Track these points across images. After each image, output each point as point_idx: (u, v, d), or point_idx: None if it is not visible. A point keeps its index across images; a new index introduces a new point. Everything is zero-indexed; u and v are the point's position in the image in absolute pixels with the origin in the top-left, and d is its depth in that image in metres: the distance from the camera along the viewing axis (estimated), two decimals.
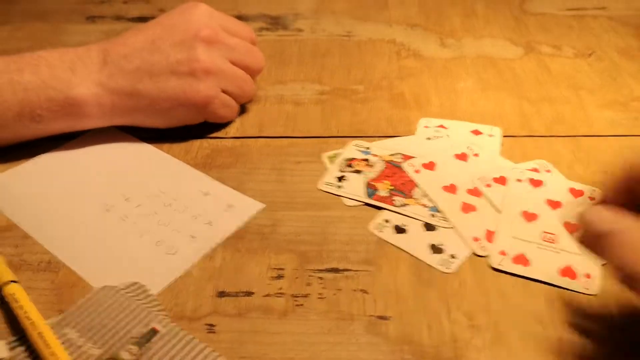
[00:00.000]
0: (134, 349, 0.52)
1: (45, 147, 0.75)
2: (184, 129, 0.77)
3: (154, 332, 0.53)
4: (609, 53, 0.93)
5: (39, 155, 0.74)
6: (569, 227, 0.63)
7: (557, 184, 0.68)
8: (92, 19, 1.04)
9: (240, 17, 0.98)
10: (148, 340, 0.53)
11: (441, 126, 0.78)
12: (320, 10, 1.06)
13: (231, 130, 0.78)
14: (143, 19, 1.03)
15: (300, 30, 1.01)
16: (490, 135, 0.76)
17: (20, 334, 0.54)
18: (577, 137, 0.76)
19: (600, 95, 0.83)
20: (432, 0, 1.09)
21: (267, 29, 1.01)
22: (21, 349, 0.53)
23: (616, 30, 0.98)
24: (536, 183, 0.68)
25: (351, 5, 1.08)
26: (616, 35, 0.97)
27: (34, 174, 0.71)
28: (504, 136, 0.76)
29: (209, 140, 0.77)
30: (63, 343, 0.52)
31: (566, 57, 0.92)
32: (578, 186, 0.68)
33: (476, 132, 0.76)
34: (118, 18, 1.04)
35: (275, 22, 1.03)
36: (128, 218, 0.66)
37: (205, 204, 0.68)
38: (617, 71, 0.88)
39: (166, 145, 0.75)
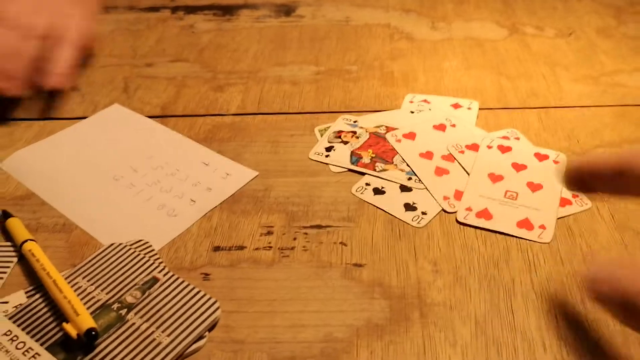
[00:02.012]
0: (137, 293, 0.60)
1: (60, 126, 0.82)
2: (187, 106, 0.84)
3: (155, 280, 0.61)
4: (588, 32, 0.99)
5: (55, 134, 0.81)
6: (532, 186, 0.70)
7: (524, 150, 0.75)
8: (106, 9, 1.11)
9: (246, 6, 1.05)
10: (150, 286, 0.60)
11: (425, 101, 0.84)
12: None
13: (232, 108, 0.85)
14: (155, 9, 1.11)
15: (301, 16, 1.08)
16: (469, 109, 0.82)
17: (36, 285, 0.61)
18: (547, 109, 0.82)
19: (574, 71, 0.90)
20: None
21: (270, 16, 1.08)
22: (37, 296, 0.60)
23: (598, 11, 1.05)
24: (505, 149, 0.75)
25: None
26: (597, 16, 1.03)
27: (51, 149, 0.79)
28: (481, 109, 0.83)
29: (211, 117, 0.84)
30: (75, 290, 0.60)
31: (547, 37, 0.98)
32: (543, 151, 0.74)
33: (456, 106, 0.83)
34: (131, 8, 1.12)
35: (279, 10, 1.10)
36: (135, 186, 0.74)
37: (205, 173, 0.75)
38: (592, 49, 0.95)
39: (172, 122, 0.83)
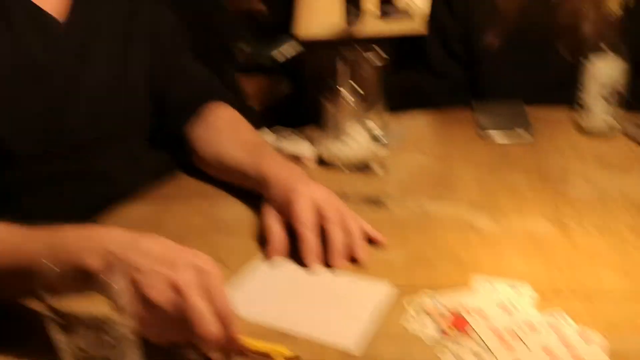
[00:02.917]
0: None
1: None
2: None
3: None
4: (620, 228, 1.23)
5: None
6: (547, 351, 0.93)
7: (569, 329, 0.98)
8: None
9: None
10: None
11: (490, 283, 1.09)
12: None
13: None
14: None
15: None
16: (525, 294, 1.07)
17: None
18: (589, 296, 1.06)
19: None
20: (490, 180, 1.42)
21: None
22: None
23: (629, 211, 1.29)
24: (555, 329, 0.98)
25: (426, 187, 1.41)
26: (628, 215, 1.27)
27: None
28: (535, 293, 1.07)
29: None
30: None
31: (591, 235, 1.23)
32: (585, 331, 0.98)
33: (515, 290, 1.07)
34: None
35: (369, 200, 1.35)
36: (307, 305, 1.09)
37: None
38: (624, 245, 1.19)
39: None
